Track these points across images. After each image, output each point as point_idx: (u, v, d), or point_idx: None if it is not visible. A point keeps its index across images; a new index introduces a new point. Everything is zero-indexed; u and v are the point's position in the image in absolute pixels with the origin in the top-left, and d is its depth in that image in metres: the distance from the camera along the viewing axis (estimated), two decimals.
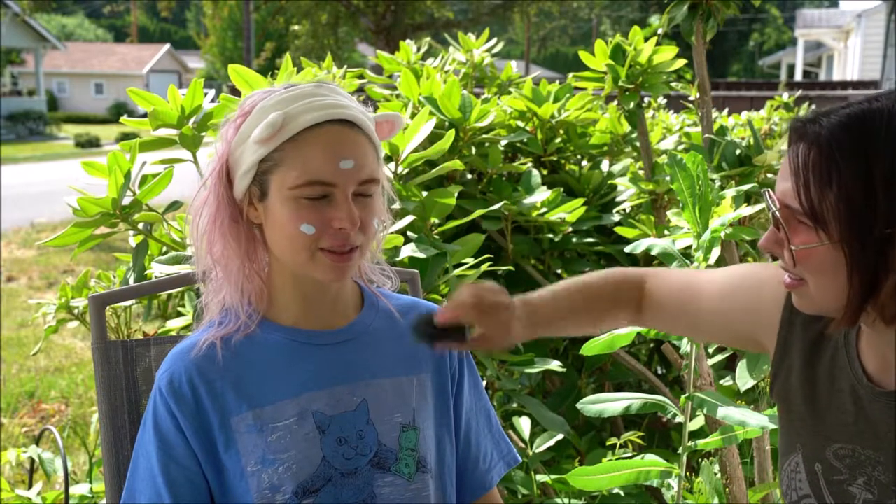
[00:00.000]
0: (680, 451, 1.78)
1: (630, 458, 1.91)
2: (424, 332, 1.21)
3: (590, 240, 2.62)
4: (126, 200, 1.79)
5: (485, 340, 1.25)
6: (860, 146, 0.99)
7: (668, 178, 2.36)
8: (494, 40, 3.22)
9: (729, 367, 2.51)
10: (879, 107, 1.01)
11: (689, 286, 1.35)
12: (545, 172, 2.74)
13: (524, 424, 2.22)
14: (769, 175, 2.38)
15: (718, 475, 2.05)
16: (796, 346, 1.20)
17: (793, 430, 1.22)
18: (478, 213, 2.21)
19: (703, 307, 1.31)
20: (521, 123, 2.72)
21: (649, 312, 1.37)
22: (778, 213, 1.06)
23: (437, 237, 2.12)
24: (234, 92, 2.02)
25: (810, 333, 1.18)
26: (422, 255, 1.91)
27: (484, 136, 2.49)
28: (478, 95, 2.72)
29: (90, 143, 23.49)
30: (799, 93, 5.68)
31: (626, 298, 1.37)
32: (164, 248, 1.88)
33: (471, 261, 2.00)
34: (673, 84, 2.59)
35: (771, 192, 1.10)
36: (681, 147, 3.07)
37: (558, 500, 2.20)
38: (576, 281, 1.38)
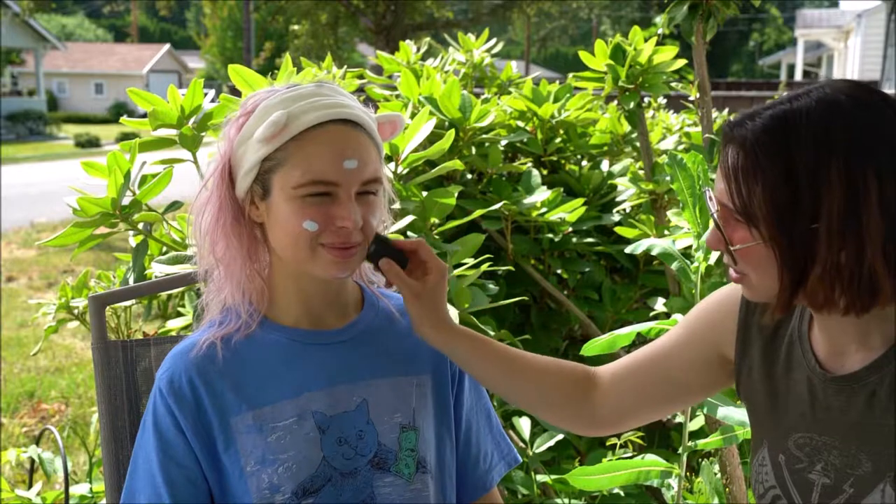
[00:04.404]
0: (680, 451, 1.78)
1: (630, 458, 1.91)
2: (377, 245, 1.24)
3: (590, 240, 2.62)
4: (126, 200, 1.79)
5: (422, 282, 1.27)
6: (782, 147, 1.04)
7: (668, 178, 2.36)
8: (494, 40, 3.22)
9: None
10: (799, 106, 1.05)
11: (647, 346, 1.35)
12: (545, 172, 2.74)
13: (524, 424, 2.22)
14: None
15: (718, 475, 2.05)
16: (754, 345, 1.24)
17: (758, 425, 1.26)
18: (478, 213, 2.21)
19: (666, 350, 1.31)
20: (521, 123, 2.72)
21: (606, 385, 1.33)
22: (716, 215, 1.12)
23: (437, 237, 2.12)
24: (234, 92, 2.01)
25: (766, 332, 1.23)
26: None
27: (484, 136, 2.49)
28: (478, 95, 2.72)
29: (90, 143, 23.49)
30: None
31: (571, 370, 1.35)
32: (164, 248, 1.88)
33: (471, 261, 2.00)
34: (673, 84, 2.59)
35: (711, 193, 1.15)
36: (681, 147, 3.07)
37: (558, 500, 2.20)
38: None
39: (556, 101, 2.68)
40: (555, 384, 1.34)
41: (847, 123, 1.03)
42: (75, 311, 2.10)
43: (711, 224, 1.14)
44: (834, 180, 1.01)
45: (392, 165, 2.00)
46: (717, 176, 1.12)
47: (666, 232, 2.33)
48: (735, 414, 1.68)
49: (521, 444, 2.22)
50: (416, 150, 2.01)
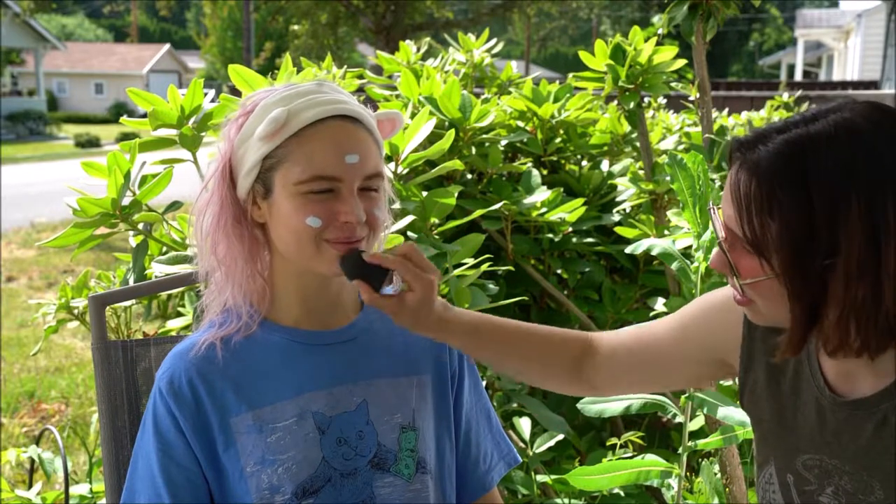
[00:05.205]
0: (680, 451, 1.78)
1: (630, 458, 1.91)
2: (349, 264, 1.19)
3: (590, 240, 2.62)
4: (126, 201, 1.79)
5: (400, 300, 1.21)
6: (799, 177, 0.98)
7: (668, 178, 2.36)
8: (494, 40, 3.22)
9: None
10: (817, 130, 0.99)
11: (644, 325, 1.34)
12: (545, 172, 2.74)
13: (524, 424, 2.22)
14: None
15: (718, 475, 2.05)
16: (760, 360, 1.21)
17: (764, 441, 1.22)
18: (478, 213, 2.21)
19: (665, 339, 1.30)
20: (521, 123, 2.72)
21: (602, 359, 1.32)
22: (723, 241, 1.07)
23: (437, 237, 2.12)
24: (234, 92, 2.01)
25: (770, 347, 1.18)
26: None
27: (484, 136, 2.49)
28: (478, 95, 2.72)
29: (90, 143, 23.49)
30: (799, 93, 5.68)
31: (571, 341, 1.34)
32: (164, 248, 1.88)
33: (471, 261, 2.00)
34: (673, 84, 2.59)
35: (716, 212, 1.09)
36: (681, 147, 3.07)
37: (558, 501, 2.20)
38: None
39: (556, 101, 2.68)
40: (552, 362, 1.34)
41: (869, 152, 0.97)
42: (75, 311, 2.10)
43: (709, 235, 1.11)
44: (854, 213, 0.95)
45: (392, 165, 2.00)
46: (724, 198, 1.06)
47: (666, 232, 2.33)
48: (735, 414, 1.68)
49: (521, 444, 2.22)
50: (416, 150, 2.01)
